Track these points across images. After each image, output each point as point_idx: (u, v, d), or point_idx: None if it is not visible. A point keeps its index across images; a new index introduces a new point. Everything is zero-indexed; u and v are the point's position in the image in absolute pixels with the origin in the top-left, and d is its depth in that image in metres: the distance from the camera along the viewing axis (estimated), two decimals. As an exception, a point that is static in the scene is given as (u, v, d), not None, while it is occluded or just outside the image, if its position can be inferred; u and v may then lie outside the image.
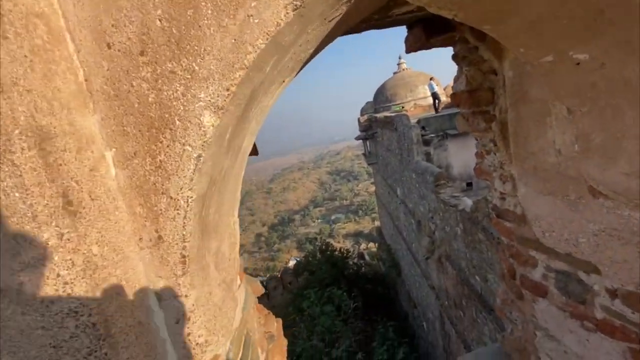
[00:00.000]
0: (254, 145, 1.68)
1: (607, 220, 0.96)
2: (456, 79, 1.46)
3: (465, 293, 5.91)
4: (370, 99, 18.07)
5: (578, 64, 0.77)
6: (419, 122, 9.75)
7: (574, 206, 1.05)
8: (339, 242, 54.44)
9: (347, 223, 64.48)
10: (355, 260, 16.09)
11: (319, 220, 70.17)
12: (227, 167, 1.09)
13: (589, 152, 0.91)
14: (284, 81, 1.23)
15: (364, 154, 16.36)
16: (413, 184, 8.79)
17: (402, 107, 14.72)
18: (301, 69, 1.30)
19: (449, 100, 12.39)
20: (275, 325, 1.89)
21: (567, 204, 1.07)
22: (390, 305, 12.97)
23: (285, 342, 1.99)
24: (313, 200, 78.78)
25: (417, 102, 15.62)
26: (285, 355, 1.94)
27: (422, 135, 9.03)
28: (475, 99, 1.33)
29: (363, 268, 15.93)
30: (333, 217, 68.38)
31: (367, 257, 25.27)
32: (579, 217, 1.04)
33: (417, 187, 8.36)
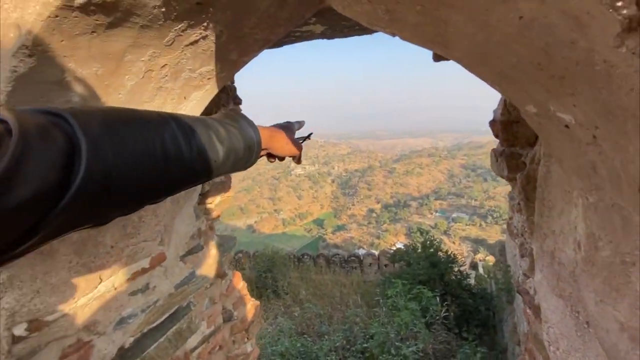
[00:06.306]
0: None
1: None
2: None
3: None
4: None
5: (567, 126, 0.51)
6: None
7: (580, 330, 0.70)
8: (454, 242, 49.61)
9: (469, 225, 57.82)
10: (463, 269, 14.49)
11: (437, 214, 65.14)
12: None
13: (593, 266, 0.58)
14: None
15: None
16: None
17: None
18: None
19: None
20: (248, 307, 2.00)
21: (575, 323, 0.72)
22: (489, 330, 11.40)
23: (257, 325, 2.08)
24: (436, 191, 73.02)
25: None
26: (252, 337, 2.04)
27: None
28: (512, 134, 0.97)
29: (470, 279, 14.18)
30: (454, 215, 62.20)
31: (481, 269, 22.16)
32: (584, 348, 0.68)
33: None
